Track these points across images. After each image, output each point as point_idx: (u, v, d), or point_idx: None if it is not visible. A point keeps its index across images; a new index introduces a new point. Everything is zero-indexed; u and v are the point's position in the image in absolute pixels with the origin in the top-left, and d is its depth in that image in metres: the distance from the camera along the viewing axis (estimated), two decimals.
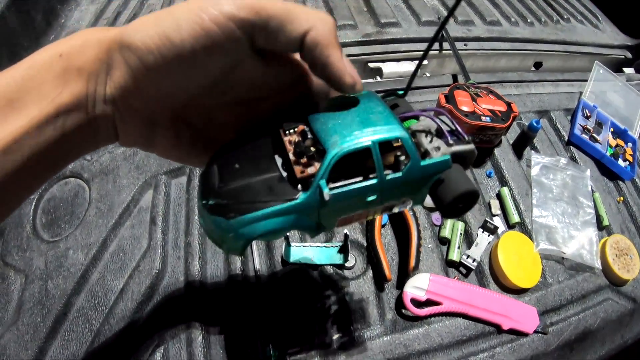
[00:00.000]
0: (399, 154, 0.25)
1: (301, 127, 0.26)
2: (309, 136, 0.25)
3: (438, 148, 0.26)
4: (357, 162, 0.24)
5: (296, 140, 0.25)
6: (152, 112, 0.24)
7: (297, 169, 0.24)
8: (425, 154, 0.26)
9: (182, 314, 0.51)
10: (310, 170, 0.24)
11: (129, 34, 0.21)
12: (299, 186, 0.24)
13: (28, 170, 0.21)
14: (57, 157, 0.22)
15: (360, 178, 0.24)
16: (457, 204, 0.27)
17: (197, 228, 0.57)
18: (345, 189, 0.24)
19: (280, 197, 0.24)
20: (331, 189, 0.23)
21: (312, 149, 0.24)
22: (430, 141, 0.27)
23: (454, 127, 0.28)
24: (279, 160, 0.25)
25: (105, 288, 0.54)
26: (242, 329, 0.50)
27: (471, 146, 0.27)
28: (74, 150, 0.24)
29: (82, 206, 0.62)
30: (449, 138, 0.27)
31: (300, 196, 0.23)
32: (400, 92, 0.35)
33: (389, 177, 0.24)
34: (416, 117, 0.28)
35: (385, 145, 0.24)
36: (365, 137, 0.23)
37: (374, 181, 0.24)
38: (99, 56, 0.21)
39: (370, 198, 0.25)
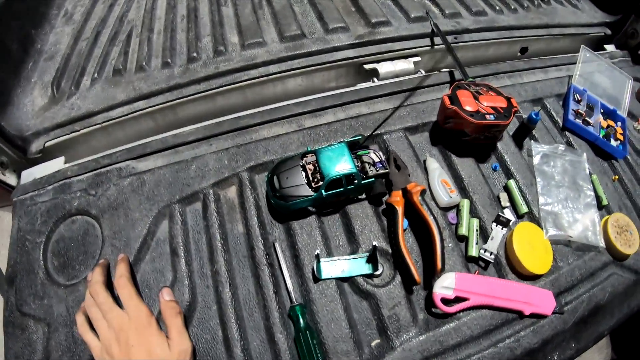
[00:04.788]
0: (353, 178, 0.57)
1: (310, 155, 0.60)
2: (318, 166, 0.58)
3: (371, 171, 0.59)
4: (338, 180, 0.56)
5: (311, 167, 0.59)
6: None
7: (313, 184, 0.57)
8: (366, 175, 0.59)
9: (221, 342, 0.52)
10: (318, 184, 0.57)
11: None
12: (313, 190, 0.57)
13: None
14: None
15: (340, 188, 0.57)
16: (377, 197, 0.61)
17: (221, 255, 0.57)
18: (332, 191, 0.57)
19: (305, 195, 0.57)
20: (327, 192, 0.56)
21: (318, 175, 0.58)
22: (369, 168, 0.60)
23: (382, 158, 0.61)
24: (303, 174, 0.58)
25: None
26: (284, 351, 0.51)
27: (385, 171, 0.60)
28: None
29: (95, 244, 0.60)
30: (376, 167, 0.60)
31: (314, 194, 0.56)
32: (358, 137, 0.63)
33: (348, 187, 0.57)
34: (366, 147, 0.62)
35: (349, 174, 0.56)
36: (339, 172, 0.56)
37: (341, 189, 0.57)
38: None
39: (341, 192, 0.57)
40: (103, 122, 0.72)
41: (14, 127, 0.72)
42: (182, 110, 0.74)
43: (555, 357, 0.61)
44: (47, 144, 0.72)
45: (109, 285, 0.54)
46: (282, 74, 0.72)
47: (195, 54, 0.74)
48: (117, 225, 0.60)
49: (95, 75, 0.75)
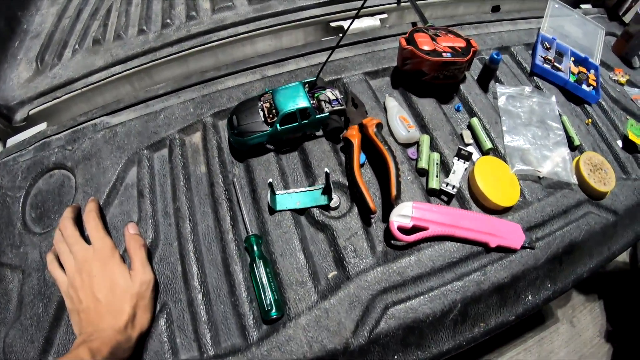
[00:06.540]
0: (308, 113, 0.58)
1: (268, 95, 0.61)
2: (274, 103, 0.59)
3: (327, 108, 0.60)
4: (292, 115, 0.58)
5: (267, 105, 0.60)
6: None
7: (269, 119, 0.59)
8: (321, 111, 0.60)
9: (180, 276, 0.53)
10: (274, 120, 0.58)
11: None
12: (269, 126, 0.58)
13: None
14: None
15: (295, 123, 0.58)
16: (334, 133, 0.62)
17: (184, 194, 0.58)
18: (286, 126, 0.58)
19: (261, 130, 0.58)
20: (282, 126, 0.58)
21: (274, 111, 0.59)
22: (325, 105, 0.61)
23: (338, 97, 0.62)
24: (261, 113, 0.60)
25: None
26: (239, 282, 0.52)
27: (341, 107, 0.61)
28: None
29: (70, 194, 0.62)
30: (332, 104, 0.61)
31: (269, 129, 0.58)
32: (315, 78, 0.63)
33: (303, 122, 0.59)
34: (324, 88, 0.63)
35: (304, 109, 0.58)
36: (293, 107, 0.57)
37: (296, 123, 0.58)
38: None
39: (296, 127, 0.59)
40: (83, 88, 0.75)
41: (0, 98, 0.76)
42: (157, 74, 0.77)
43: (530, 297, 0.59)
44: (30, 112, 0.76)
45: (79, 225, 0.56)
46: (250, 34, 0.75)
47: (168, 20, 0.78)
48: (89, 174, 0.63)
49: (76, 46, 0.79)
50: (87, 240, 0.53)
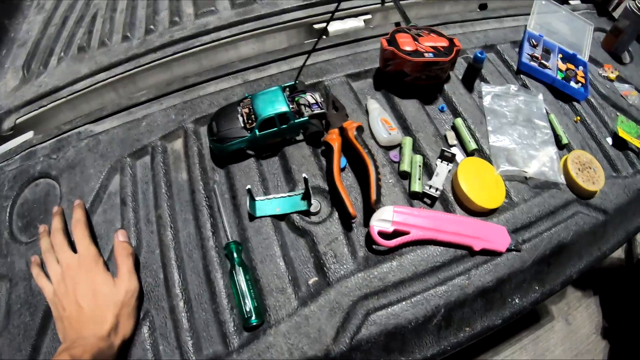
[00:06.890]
0: (287, 117, 0.58)
1: (247, 100, 0.61)
2: (253, 109, 0.59)
3: (307, 112, 0.60)
4: (271, 120, 0.57)
5: (247, 110, 0.60)
6: None
7: (248, 125, 0.58)
8: (301, 115, 0.59)
9: (162, 284, 0.53)
10: (252, 125, 0.58)
11: None
12: (248, 131, 0.58)
13: None
14: None
15: (274, 128, 0.58)
16: (314, 137, 0.61)
17: (165, 201, 0.58)
18: (266, 131, 0.58)
19: (241, 136, 0.58)
20: (261, 132, 0.57)
21: (253, 117, 0.58)
22: (305, 109, 0.60)
23: (318, 100, 0.61)
24: (240, 118, 0.59)
25: None
26: (220, 290, 0.52)
27: (321, 111, 0.60)
28: None
29: (55, 203, 0.63)
30: (312, 108, 0.60)
31: (248, 135, 0.58)
32: (294, 82, 0.63)
33: (282, 127, 0.58)
34: (304, 92, 0.62)
35: (282, 114, 0.57)
36: (272, 112, 0.57)
37: (275, 129, 0.58)
38: None
39: (276, 132, 0.59)
40: (68, 96, 0.75)
41: None
42: (141, 80, 0.77)
43: (517, 300, 0.58)
44: (17, 121, 0.76)
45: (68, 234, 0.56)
46: (233, 38, 0.75)
47: (152, 27, 0.78)
48: (73, 182, 0.63)
49: (62, 54, 0.80)
50: (74, 249, 0.54)
